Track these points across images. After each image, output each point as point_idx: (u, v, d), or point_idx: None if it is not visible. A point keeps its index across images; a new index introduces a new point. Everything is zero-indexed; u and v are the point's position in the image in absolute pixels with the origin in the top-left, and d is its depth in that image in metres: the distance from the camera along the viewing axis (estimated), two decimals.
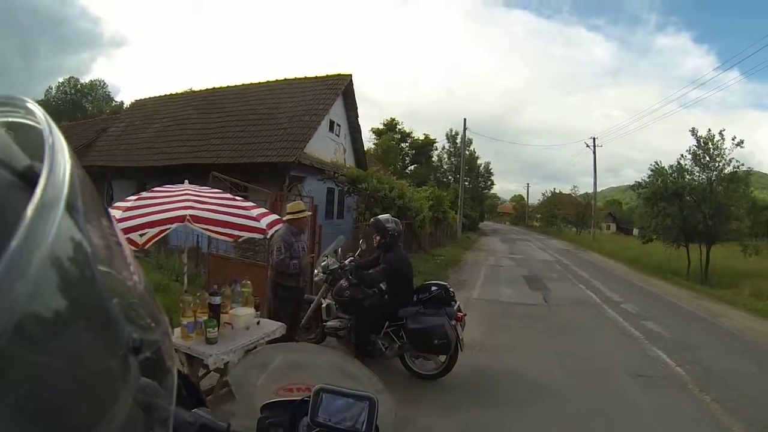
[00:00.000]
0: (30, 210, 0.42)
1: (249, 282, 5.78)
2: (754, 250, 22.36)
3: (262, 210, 6.04)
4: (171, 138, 21.12)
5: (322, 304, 7.10)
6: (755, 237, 24.69)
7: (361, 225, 16.60)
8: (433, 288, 6.65)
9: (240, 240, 6.44)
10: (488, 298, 13.27)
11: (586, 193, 65.79)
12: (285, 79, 22.36)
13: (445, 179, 58.34)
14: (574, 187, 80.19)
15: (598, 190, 54.09)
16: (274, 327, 5.57)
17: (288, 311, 6.46)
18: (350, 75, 21.56)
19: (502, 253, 29.84)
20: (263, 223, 5.52)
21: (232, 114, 20.68)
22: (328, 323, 7.03)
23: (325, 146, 20.24)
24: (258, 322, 5.46)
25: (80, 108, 63.89)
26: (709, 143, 22.22)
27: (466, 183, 53.09)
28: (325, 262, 7.10)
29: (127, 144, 22.45)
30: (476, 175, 67.28)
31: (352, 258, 7.38)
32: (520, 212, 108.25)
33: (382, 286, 6.84)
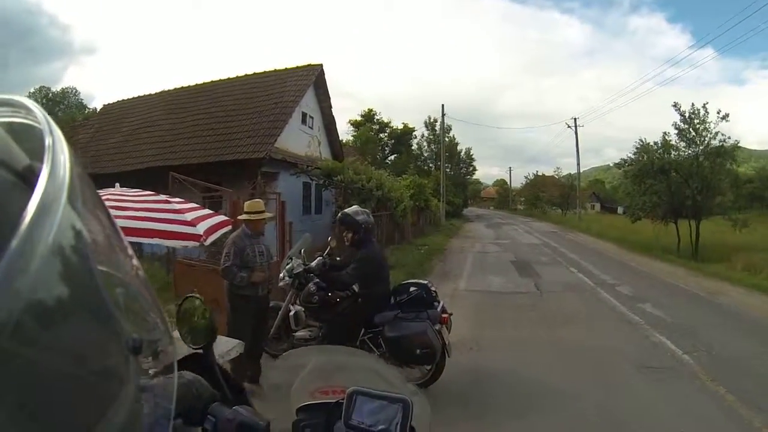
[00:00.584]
0: (30, 210, 0.43)
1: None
2: (743, 223, 21.88)
3: (203, 212, 5.43)
4: (139, 141, 20.37)
5: (290, 311, 6.36)
6: (738, 210, 24.21)
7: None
8: (412, 289, 5.93)
9: (205, 242, 5.63)
10: (477, 288, 12.65)
11: (569, 174, 65.35)
12: (254, 74, 21.86)
13: (426, 167, 57.90)
14: (557, 168, 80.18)
15: (581, 170, 53.68)
16: (229, 346, 4.84)
17: (247, 324, 5.76)
18: (321, 65, 21.05)
19: (488, 238, 29.36)
20: (200, 228, 4.93)
21: (201, 113, 20.05)
22: (297, 333, 6.33)
23: (299, 140, 19.74)
24: None
25: (53, 117, 60.93)
26: (694, 118, 21.71)
27: (448, 170, 52.86)
28: (289, 265, 6.33)
29: (95, 150, 21.47)
30: (457, 162, 67.09)
31: (321, 258, 6.53)
32: (503, 196, 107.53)
33: (355, 288, 6.15)
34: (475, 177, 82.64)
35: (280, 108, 18.23)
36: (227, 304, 5.88)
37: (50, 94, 71.58)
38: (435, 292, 5.99)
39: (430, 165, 59.85)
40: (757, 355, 7.09)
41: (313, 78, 20.38)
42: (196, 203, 6.35)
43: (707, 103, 21.57)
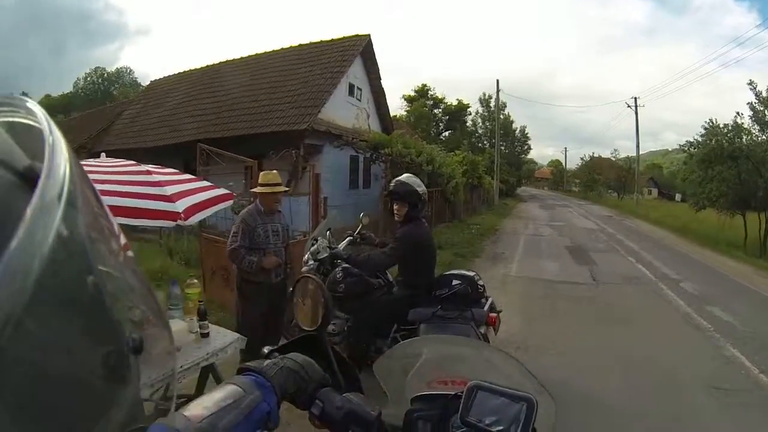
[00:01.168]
0: (30, 210, 0.43)
1: (196, 281, 4.28)
2: None
3: (192, 185, 4.55)
4: (183, 115, 20.12)
5: None
6: None
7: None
8: (456, 282, 4.86)
9: (185, 222, 4.41)
10: (529, 275, 11.58)
11: (627, 156, 62.92)
12: (299, 45, 21.10)
13: (480, 144, 56.54)
14: (615, 150, 77.75)
15: (639, 154, 51.26)
16: (225, 341, 4.06)
17: (257, 315, 5.02)
18: (368, 35, 20.11)
19: (542, 220, 27.93)
20: (180, 205, 4.02)
21: (244, 85, 19.56)
22: None
23: (346, 112, 18.85)
24: (204, 335, 4.01)
25: (109, 96, 63.94)
26: None
27: (502, 147, 51.61)
28: (314, 247, 5.39)
29: (140, 126, 22.03)
30: (512, 140, 65.40)
31: (351, 237, 5.67)
32: (558, 177, 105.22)
33: (389, 276, 5.28)
34: (529, 156, 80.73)
35: (325, 78, 17.46)
36: (236, 292, 5.15)
37: (105, 75, 75.36)
38: (483, 286, 4.93)
39: (485, 142, 58.32)
40: None
41: (360, 48, 19.48)
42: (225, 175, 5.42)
43: None
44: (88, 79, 74.49)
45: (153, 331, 0.71)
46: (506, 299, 5.63)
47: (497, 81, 43.47)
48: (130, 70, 77.47)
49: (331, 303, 1.41)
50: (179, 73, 25.32)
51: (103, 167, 4.25)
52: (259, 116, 16.83)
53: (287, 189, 5.64)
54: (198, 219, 4.37)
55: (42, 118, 0.53)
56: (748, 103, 20.42)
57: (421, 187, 4.95)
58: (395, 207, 4.96)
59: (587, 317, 8.11)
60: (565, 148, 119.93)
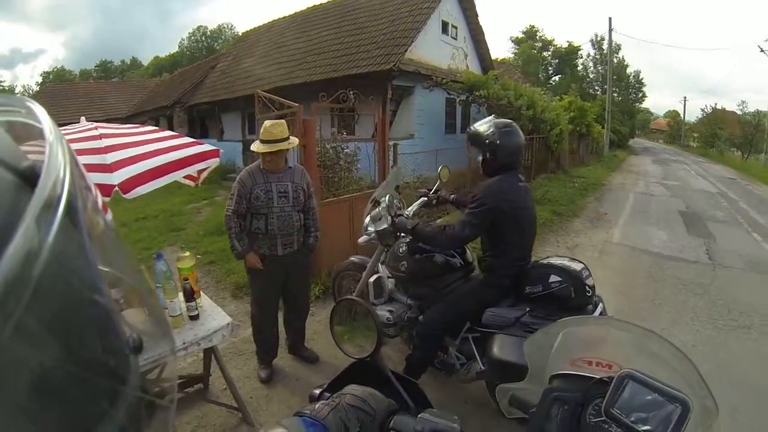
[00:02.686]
0: (30, 210, 0.43)
1: (188, 254, 3.61)
2: None
3: (148, 147, 3.68)
4: (269, 63, 20.15)
5: (370, 278, 4.34)
6: None
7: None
8: (554, 279, 3.48)
9: (125, 196, 3.48)
10: (633, 244, 9.89)
11: (757, 110, 57.30)
12: None
13: (591, 90, 54.20)
14: (742, 102, 71.53)
15: None
16: (213, 325, 3.47)
17: (267, 291, 4.35)
18: None
19: (653, 177, 25.27)
20: (118, 175, 3.25)
21: (330, 29, 19.13)
22: (379, 311, 4.25)
23: (440, 51, 17.49)
24: (193, 317, 3.48)
25: (213, 52, 66.87)
26: None
27: (615, 94, 48.73)
28: (375, 211, 4.29)
29: (230, 77, 22.47)
30: (626, 86, 62.27)
31: (425, 196, 4.52)
32: (675, 130, 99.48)
33: (469, 253, 4.06)
34: (644, 106, 76.80)
35: (414, 16, 16.19)
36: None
37: (208, 32, 79.56)
38: (591, 288, 3.50)
39: (596, 88, 56.03)
40: None
41: None
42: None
43: None
44: (192, 38, 79.06)
45: (154, 331, 0.72)
46: (602, 274, 4.33)
47: (609, 19, 40.16)
48: (231, 26, 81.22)
49: (381, 327, 1.37)
50: (269, 22, 25.50)
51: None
52: (344, 58, 16.01)
53: (297, 142, 4.58)
54: (149, 189, 3.41)
55: (42, 117, 0.53)
56: None
57: (491, 129, 3.65)
58: (475, 158, 3.81)
59: (696, 314, 6.30)
60: (684, 97, 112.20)
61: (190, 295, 3.43)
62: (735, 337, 5.67)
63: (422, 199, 4.54)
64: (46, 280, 0.42)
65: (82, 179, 0.55)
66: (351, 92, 7.25)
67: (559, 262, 3.64)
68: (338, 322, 1.46)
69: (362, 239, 4.39)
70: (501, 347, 2.54)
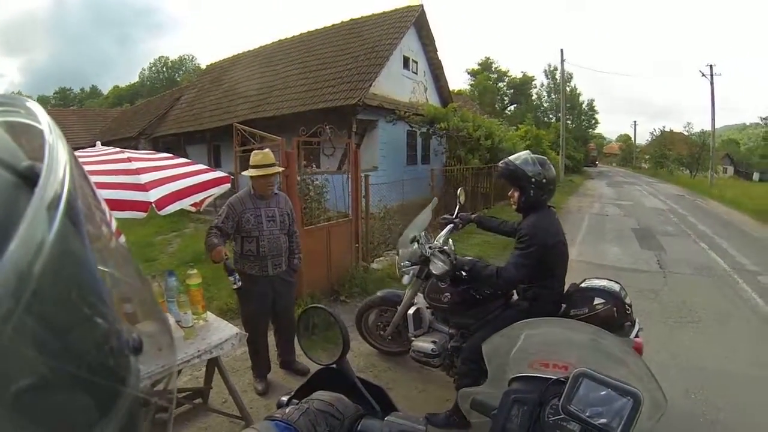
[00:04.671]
0: (30, 210, 0.43)
1: (196, 272, 3.82)
2: None
3: (176, 171, 4.07)
4: (236, 96, 20.43)
5: (409, 308, 4.55)
6: None
7: (454, 170, 15.00)
8: (599, 301, 3.69)
9: (159, 212, 3.88)
10: (590, 260, 10.58)
11: (702, 131, 59.63)
12: (351, 20, 20.67)
13: (545, 119, 55.43)
14: (688, 124, 74.36)
15: (715, 128, 47.85)
16: (222, 335, 3.72)
17: (255, 310, 4.65)
18: (421, 5, 19.25)
19: (608, 198, 26.60)
20: (154, 194, 3.61)
21: (295, 64, 19.58)
22: (416, 343, 4.47)
23: (401, 85, 18.23)
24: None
25: (173, 83, 66.86)
26: None
27: (568, 122, 49.99)
28: (413, 247, 4.35)
29: (197, 109, 22.61)
30: (579, 114, 63.66)
31: (453, 223, 4.60)
32: (627, 153, 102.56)
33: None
34: (597, 131, 78.60)
35: (377, 52, 16.89)
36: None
37: (169, 63, 78.96)
38: (630, 306, 3.77)
39: (550, 116, 57.40)
40: None
41: (412, 20, 18.72)
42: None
43: None
44: (153, 68, 78.66)
45: (154, 331, 0.72)
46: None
47: (561, 51, 41.52)
48: (193, 57, 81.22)
49: (347, 333, 1.33)
50: (234, 55, 25.81)
51: (86, 158, 3.93)
52: (310, 93, 16.56)
53: (281, 170, 5.09)
54: (177, 207, 3.81)
55: (42, 118, 0.53)
56: None
57: (533, 167, 3.80)
58: (509, 192, 4.02)
59: (650, 316, 6.94)
60: (635, 121, 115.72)
61: (195, 309, 3.76)
62: (685, 331, 6.46)
63: (450, 226, 4.59)
64: (46, 279, 0.43)
65: (82, 180, 0.56)
66: (327, 127, 7.77)
67: (599, 284, 3.85)
68: (304, 330, 1.47)
69: (406, 279, 4.47)
70: None
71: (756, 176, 49.78)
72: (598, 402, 1.18)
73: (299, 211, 6.58)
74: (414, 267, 4.42)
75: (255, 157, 4.52)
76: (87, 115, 36.20)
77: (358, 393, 1.27)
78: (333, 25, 21.12)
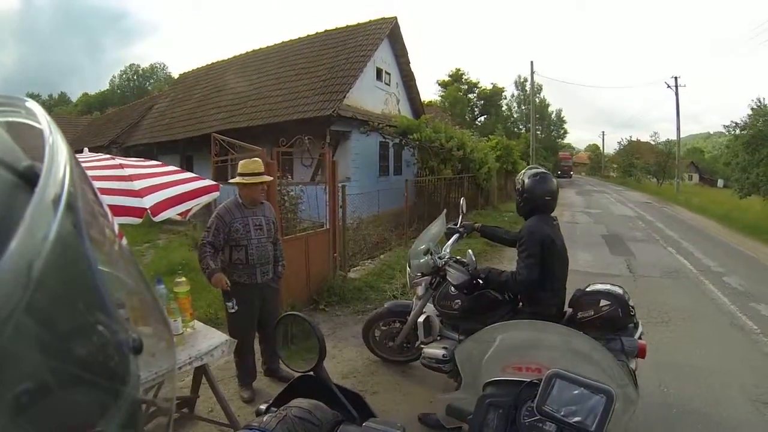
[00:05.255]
0: (30, 210, 0.43)
1: (185, 279, 3.87)
2: None
3: (169, 178, 4.11)
4: (210, 106, 20.35)
5: (419, 317, 4.61)
6: None
7: (426, 180, 15.15)
8: (604, 303, 3.90)
9: (154, 218, 3.96)
10: None
11: (668, 140, 60.95)
12: (325, 31, 20.79)
13: (515, 129, 55.95)
14: (654, 133, 75.78)
15: (680, 137, 49.29)
16: (211, 343, 3.75)
17: (244, 318, 4.64)
18: (395, 17, 19.51)
19: (578, 207, 26.92)
20: (148, 200, 3.66)
21: (270, 74, 19.72)
22: (427, 349, 4.55)
23: (374, 97, 18.41)
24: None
25: (144, 92, 65.71)
26: None
27: (538, 132, 50.69)
28: (425, 259, 4.56)
29: (169, 119, 22.52)
30: (548, 124, 64.66)
31: (458, 233, 4.79)
32: (595, 162, 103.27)
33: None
34: (566, 141, 79.57)
35: (351, 63, 17.07)
36: (222, 292, 4.67)
37: (140, 71, 77.58)
38: (633, 307, 3.98)
39: (520, 127, 57.84)
40: None
41: (386, 31, 18.94)
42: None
43: None
44: (124, 76, 77.20)
45: (154, 332, 0.72)
46: None
47: (531, 63, 42.22)
48: (164, 66, 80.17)
49: (324, 340, 1.33)
50: (208, 65, 25.51)
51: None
52: (284, 104, 16.68)
53: (271, 179, 5.18)
54: (171, 214, 3.87)
55: (42, 118, 0.53)
56: None
57: (529, 179, 4.16)
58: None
59: None
60: (602, 131, 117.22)
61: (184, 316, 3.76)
62: (656, 330, 6.74)
63: (455, 235, 4.79)
64: (46, 279, 0.43)
65: (82, 180, 0.56)
66: (306, 138, 7.90)
67: (604, 287, 4.08)
68: (282, 338, 1.47)
69: (420, 290, 4.68)
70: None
71: (720, 183, 51.01)
72: (572, 401, 1.21)
73: (280, 221, 6.61)
74: (425, 278, 4.60)
75: (244, 165, 4.59)
76: (56, 122, 35.69)
77: (336, 400, 1.27)
78: (308, 35, 21.20)
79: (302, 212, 8.83)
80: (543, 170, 4.30)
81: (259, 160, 4.73)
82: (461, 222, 4.89)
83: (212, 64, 25.24)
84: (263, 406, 1.24)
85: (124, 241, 0.71)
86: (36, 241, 0.42)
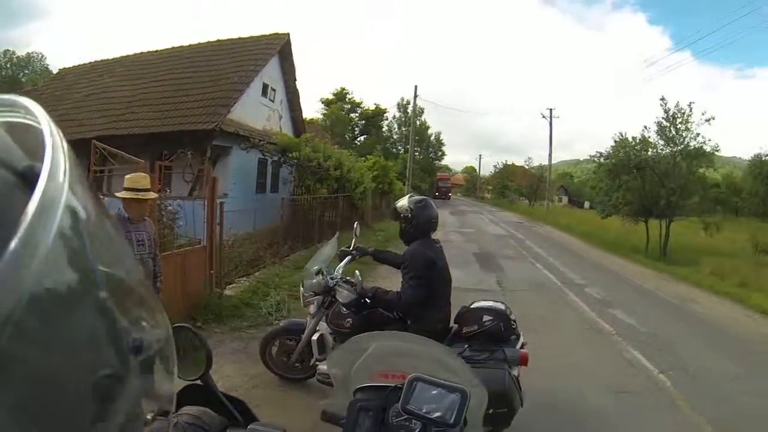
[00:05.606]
0: (30, 210, 0.43)
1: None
2: (716, 227, 22.13)
3: None
4: (90, 109, 18.93)
5: (313, 334, 4.84)
6: (707, 214, 23.77)
7: (302, 199, 15.24)
8: (487, 318, 4.24)
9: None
10: None
11: (540, 165, 65.05)
12: (217, 41, 20.69)
13: (395, 149, 57.33)
14: (529, 158, 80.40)
15: (552, 163, 53.41)
16: None
17: None
18: (287, 34, 19.98)
19: (451, 226, 27.70)
20: None
21: (156, 80, 19.08)
22: (321, 366, 4.78)
23: (258, 112, 18.57)
24: None
25: (17, 83, 60.15)
26: (678, 117, 21.08)
27: (417, 153, 52.24)
28: (317, 279, 4.78)
29: None
30: (427, 146, 66.86)
31: (351, 255, 5.12)
32: (471, 184, 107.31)
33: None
34: (444, 162, 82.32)
35: (238, 77, 17.13)
36: None
37: (15, 59, 69.90)
38: (515, 321, 4.36)
39: (399, 148, 59.28)
40: (736, 377, 6.58)
41: (277, 47, 19.30)
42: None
43: (693, 102, 20.88)
44: None
45: (154, 332, 0.71)
46: None
47: (415, 87, 43.86)
48: (42, 56, 72.21)
49: (210, 350, 1.36)
50: (90, 62, 23.86)
51: None
52: (169, 113, 16.29)
53: (156, 196, 5.33)
54: None
55: (42, 118, 0.53)
56: (656, 119, 21.83)
57: (402, 203, 4.66)
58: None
59: None
60: (479, 155, 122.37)
61: None
62: (526, 338, 7.57)
63: (348, 257, 5.06)
64: (46, 279, 0.43)
65: (82, 180, 0.56)
66: (189, 153, 7.88)
67: (487, 304, 4.46)
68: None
69: (313, 309, 4.87)
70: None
71: (587, 205, 55.17)
72: (432, 400, 1.32)
73: (159, 236, 6.48)
74: (317, 297, 4.83)
75: (134, 179, 4.63)
76: None
77: (222, 407, 1.31)
78: (199, 43, 20.97)
79: (179, 228, 8.73)
80: (423, 197, 4.81)
81: (147, 176, 4.87)
82: (354, 245, 5.19)
83: (96, 62, 23.58)
84: (149, 416, 1.15)
85: (124, 240, 0.75)
86: (36, 241, 0.42)
